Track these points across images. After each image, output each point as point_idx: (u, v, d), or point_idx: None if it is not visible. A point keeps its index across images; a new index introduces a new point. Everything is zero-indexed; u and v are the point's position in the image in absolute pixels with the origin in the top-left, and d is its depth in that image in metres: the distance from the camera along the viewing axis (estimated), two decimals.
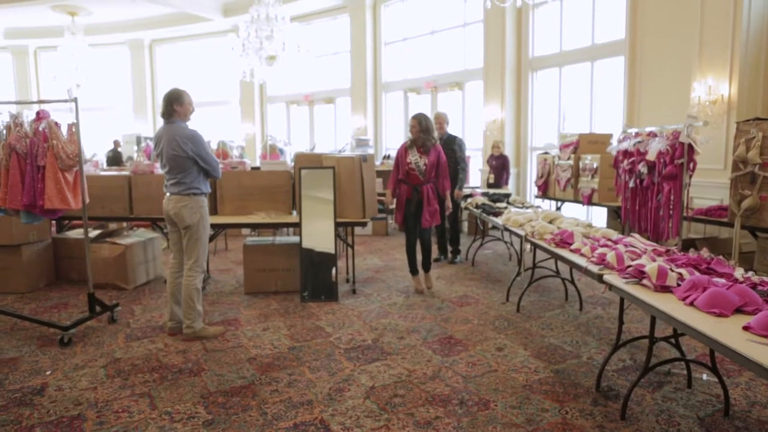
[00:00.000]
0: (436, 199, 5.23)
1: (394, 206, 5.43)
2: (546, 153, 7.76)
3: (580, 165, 6.64)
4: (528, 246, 4.44)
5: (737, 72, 5.82)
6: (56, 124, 4.13)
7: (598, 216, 7.60)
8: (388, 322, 4.38)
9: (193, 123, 4.09)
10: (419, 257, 5.45)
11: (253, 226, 6.20)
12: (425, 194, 5.15)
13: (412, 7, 11.37)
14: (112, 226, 6.40)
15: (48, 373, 3.41)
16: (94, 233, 5.86)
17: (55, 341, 3.92)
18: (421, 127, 5.13)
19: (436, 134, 5.38)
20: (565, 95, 9.02)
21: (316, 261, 5.03)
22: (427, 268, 5.43)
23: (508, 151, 9.26)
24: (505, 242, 6.89)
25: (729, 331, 2.05)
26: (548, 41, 9.10)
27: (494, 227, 6.12)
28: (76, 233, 6.03)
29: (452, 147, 6.27)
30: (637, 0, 7.20)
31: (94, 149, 12.29)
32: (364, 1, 11.54)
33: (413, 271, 5.40)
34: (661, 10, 6.85)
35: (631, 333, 3.98)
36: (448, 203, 5.42)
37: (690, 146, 4.60)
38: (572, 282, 4.80)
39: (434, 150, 5.17)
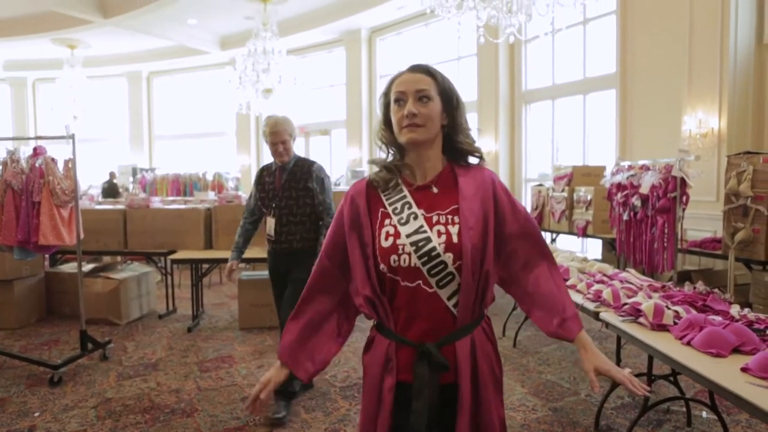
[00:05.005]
0: (500, 400, 1.56)
1: None
2: (540, 185, 7.82)
3: (574, 197, 6.68)
4: None
5: (726, 105, 5.92)
6: (53, 160, 4.15)
7: (594, 247, 7.62)
8: None
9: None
10: None
11: (248, 261, 6.17)
12: (467, 385, 1.46)
13: (406, 40, 11.58)
14: (107, 259, 6.36)
15: (36, 414, 3.34)
16: (88, 267, 5.81)
17: (44, 380, 3.85)
18: (443, 85, 1.51)
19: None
20: (559, 127, 9.13)
21: None
22: None
23: (503, 182, 9.33)
24: None
25: (727, 372, 2.03)
26: (541, 74, 9.26)
27: None
28: (69, 267, 5.98)
29: None
30: (626, 34, 7.36)
31: (90, 180, 12.30)
32: (360, 34, 11.75)
33: None
34: (650, 45, 7.00)
35: (629, 368, 3.95)
36: None
37: (682, 180, 4.64)
38: None
39: (474, 178, 1.55)
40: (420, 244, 1.44)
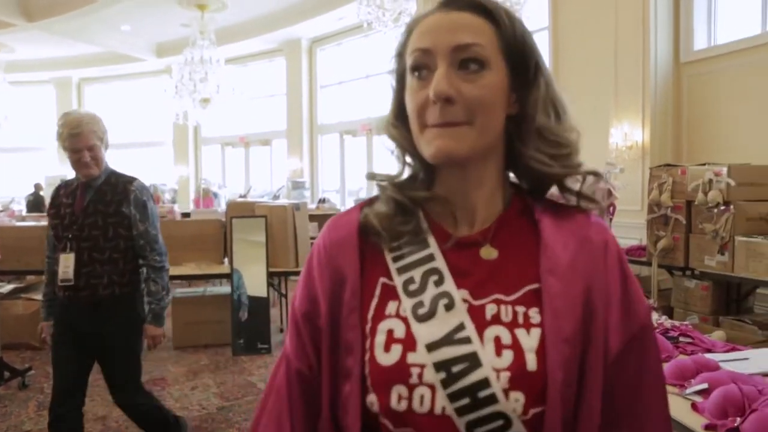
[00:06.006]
0: None
1: None
2: None
3: None
4: None
5: (649, 119, 6.26)
6: None
7: None
8: None
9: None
10: None
11: (183, 278, 5.98)
12: None
13: (347, 51, 11.61)
14: (31, 279, 6.00)
15: None
16: (7, 288, 5.47)
17: None
18: (512, 34, 0.72)
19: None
20: None
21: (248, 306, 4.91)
22: None
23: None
24: None
25: None
26: None
27: None
28: None
29: None
30: (558, 49, 7.66)
31: (14, 193, 11.61)
32: (300, 44, 11.69)
33: None
34: (580, 60, 7.29)
35: None
36: None
37: (609, 191, 4.87)
38: None
39: (572, 231, 0.74)
40: (455, 369, 0.68)
